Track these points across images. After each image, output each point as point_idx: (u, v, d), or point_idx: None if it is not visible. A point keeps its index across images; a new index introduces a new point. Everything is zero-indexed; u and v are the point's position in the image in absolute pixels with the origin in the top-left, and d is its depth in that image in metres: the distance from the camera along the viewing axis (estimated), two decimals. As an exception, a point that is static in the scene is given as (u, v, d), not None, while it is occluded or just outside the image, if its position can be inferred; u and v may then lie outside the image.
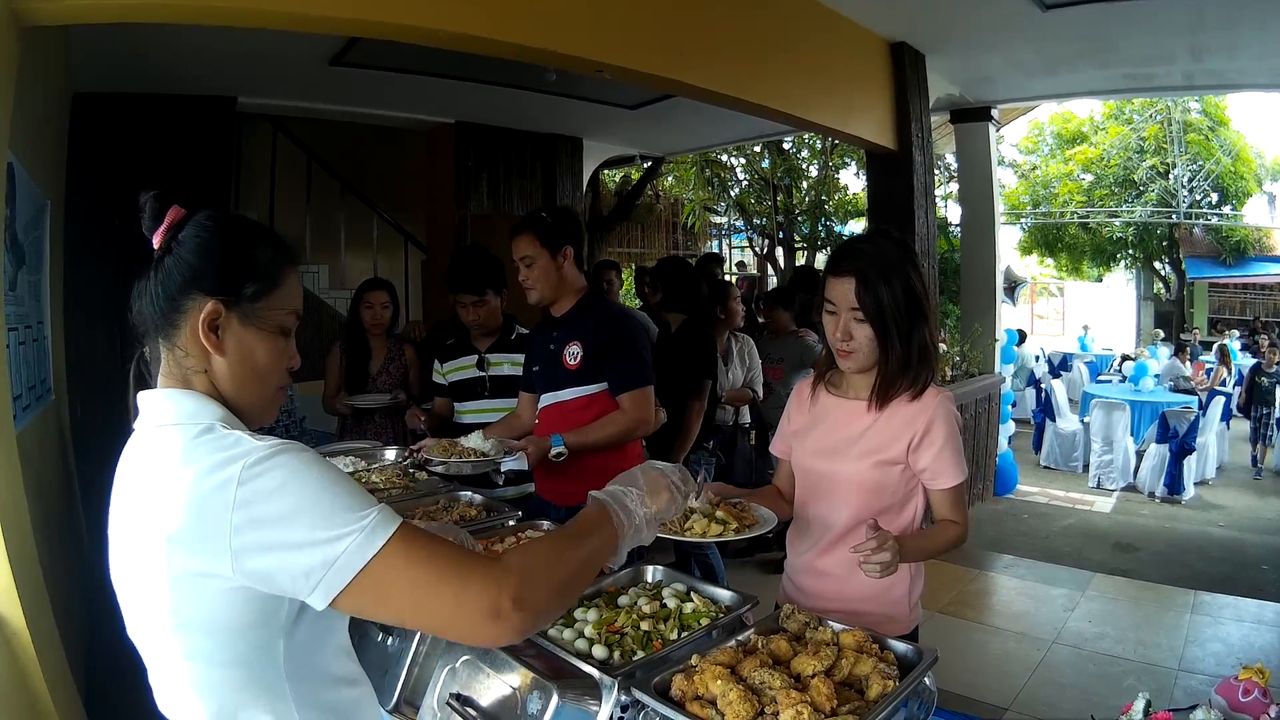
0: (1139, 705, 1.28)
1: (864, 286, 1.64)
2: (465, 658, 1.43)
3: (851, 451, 1.76)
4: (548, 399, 2.66)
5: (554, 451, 2.44)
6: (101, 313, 4.21)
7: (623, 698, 1.27)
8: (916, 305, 1.68)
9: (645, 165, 9.42)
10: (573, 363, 2.57)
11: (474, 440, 2.47)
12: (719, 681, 1.21)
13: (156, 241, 1.06)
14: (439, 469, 2.44)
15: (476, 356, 3.19)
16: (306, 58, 4.65)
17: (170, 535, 0.91)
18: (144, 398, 1.05)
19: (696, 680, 1.24)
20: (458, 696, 1.40)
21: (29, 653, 2.00)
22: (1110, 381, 10.32)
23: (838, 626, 1.46)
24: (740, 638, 1.43)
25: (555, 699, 1.28)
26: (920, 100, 5.47)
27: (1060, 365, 12.57)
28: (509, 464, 2.44)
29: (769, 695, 1.21)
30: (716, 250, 14.52)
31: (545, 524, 2.17)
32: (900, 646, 1.41)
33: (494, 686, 1.38)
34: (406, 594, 0.91)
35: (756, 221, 14.51)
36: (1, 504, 1.96)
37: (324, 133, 6.67)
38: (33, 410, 2.80)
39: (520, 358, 2.98)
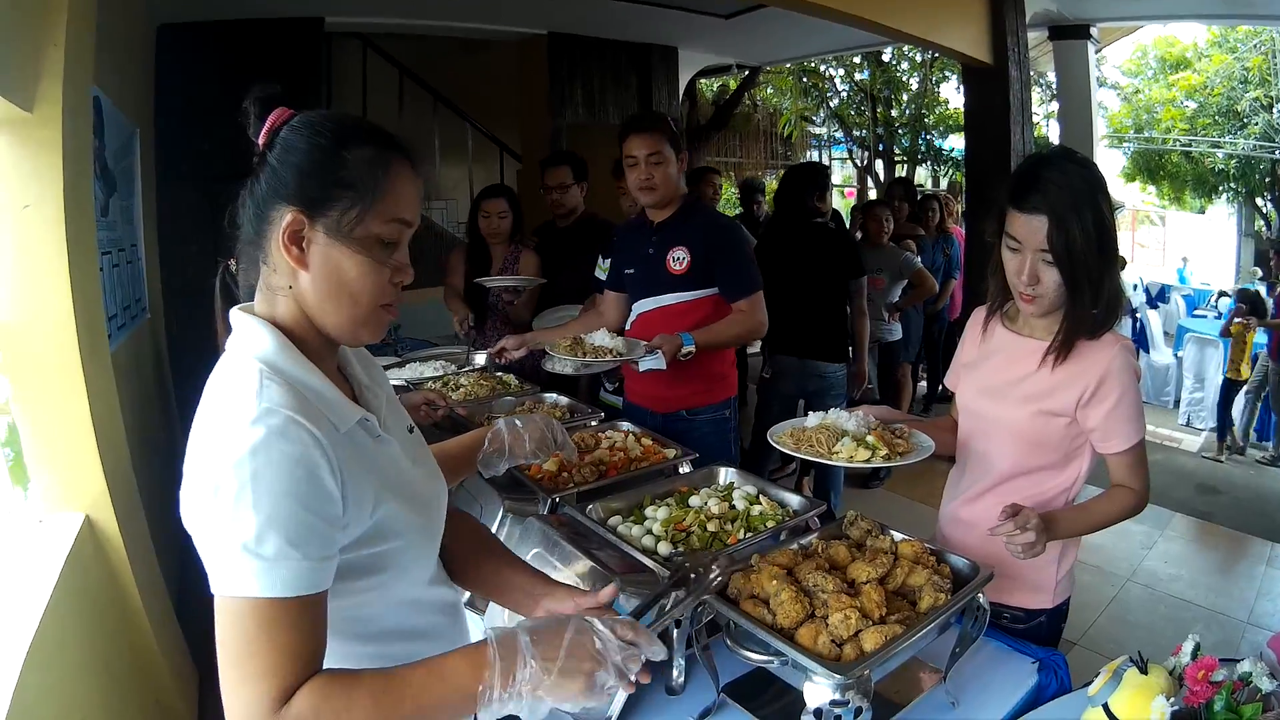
0: (1188, 647, 1.25)
1: (1057, 226, 1.42)
2: (535, 551, 1.50)
3: (1014, 394, 1.59)
4: (647, 303, 2.62)
5: (685, 350, 2.36)
6: (194, 233, 4.37)
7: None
8: (1109, 244, 1.47)
9: (742, 74, 9.24)
10: (678, 268, 2.52)
11: (600, 337, 2.40)
12: (774, 582, 1.23)
13: (260, 145, 0.98)
14: (565, 369, 2.38)
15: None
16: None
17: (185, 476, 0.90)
18: (232, 313, 1.00)
19: (753, 579, 1.27)
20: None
21: (120, 555, 2.14)
22: (1206, 317, 9.79)
23: (898, 536, 1.45)
24: (803, 541, 1.44)
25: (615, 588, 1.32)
26: (1016, 14, 5.24)
27: (1158, 296, 11.96)
28: (648, 363, 2.35)
29: (821, 599, 1.22)
30: (816, 160, 14.28)
31: (625, 424, 2.22)
32: (958, 562, 1.40)
33: (559, 580, 1.40)
34: (219, 638, 0.84)
35: (856, 134, 14.27)
36: (98, 417, 2.07)
37: (414, 48, 6.71)
38: (128, 329, 2.96)
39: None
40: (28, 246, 1.92)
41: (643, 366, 2.38)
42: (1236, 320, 6.63)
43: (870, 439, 1.60)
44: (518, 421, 1.52)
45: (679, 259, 2.52)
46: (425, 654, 0.94)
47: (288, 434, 0.86)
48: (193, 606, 2.93)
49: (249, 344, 0.95)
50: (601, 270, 3.17)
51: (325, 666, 0.88)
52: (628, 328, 2.68)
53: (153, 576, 2.41)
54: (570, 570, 1.43)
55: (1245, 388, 6.60)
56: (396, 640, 1.05)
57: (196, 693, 2.64)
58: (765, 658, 1.17)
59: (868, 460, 1.57)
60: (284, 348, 0.95)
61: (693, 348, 2.36)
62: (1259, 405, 6.67)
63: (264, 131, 0.98)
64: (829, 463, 1.59)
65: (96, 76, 2.37)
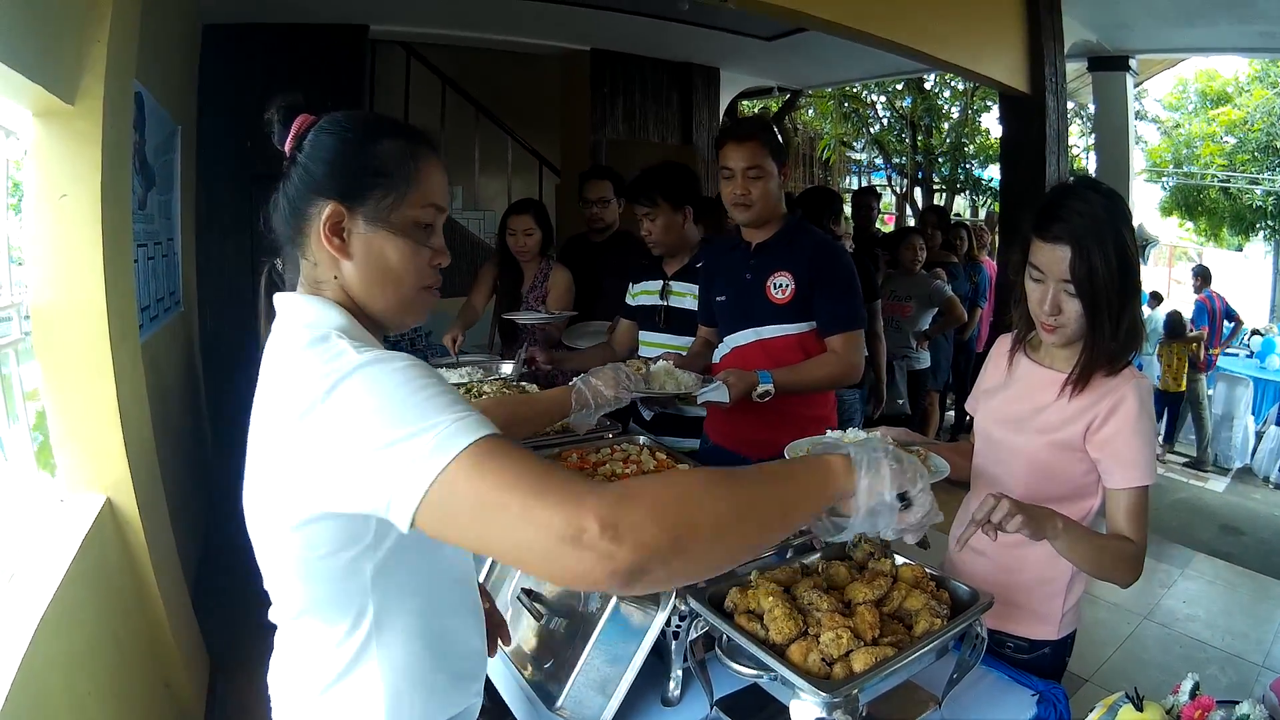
0: (1186, 686, 1.24)
1: (1080, 256, 1.41)
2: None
3: (1031, 425, 1.58)
4: (745, 335, 2.35)
5: (761, 389, 2.10)
6: (233, 229, 4.50)
7: (681, 606, 1.31)
8: (1131, 275, 1.45)
9: (784, 97, 9.34)
10: (781, 296, 2.27)
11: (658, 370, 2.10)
12: (770, 598, 1.23)
13: (287, 151, 1.03)
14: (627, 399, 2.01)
15: (661, 282, 2.83)
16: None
17: (270, 443, 0.91)
18: (278, 299, 1.02)
19: (750, 595, 1.27)
20: (527, 591, 1.50)
21: (139, 538, 2.20)
22: (1237, 355, 9.63)
23: (900, 560, 1.44)
24: (806, 560, 1.44)
25: (614, 599, 1.34)
26: (1055, 44, 5.24)
27: (1191, 333, 11.84)
28: (707, 394, 2.07)
29: (815, 617, 1.22)
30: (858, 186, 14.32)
31: (642, 438, 2.17)
32: (959, 588, 1.38)
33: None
34: (473, 513, 0.76)
35: (896, 160, 14.32)
36: (124, 402, 2.13)
37: (458, 58, 6.82)
38: (160, 320, 3.04)
39: None
40: (63, 234, 1.98)
41: (702, 398, 2.08)
42: (1159, 342, 7.31)
43: None
44: (592, 379, 1.75)
45: (782, 285, 2.27)
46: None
47: (400, 356, 0.87)
48: (210, 596, 2.98)
49: (321, 319, 0.96)
50: (631, 297, 2.94)
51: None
52: (716, 360, 2.44)
53: (170, 561, 2.45)
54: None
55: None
56: (445, 615, 1.07)
57: (207, 680, 2.68)
58: (755, 672, 1.17)
59: None
60: (355, 324, 0.99)
61: (770, 387, 2.11)
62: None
63: (290, 137, 1.03)
64: None
65: (140, 73, 2.44)
